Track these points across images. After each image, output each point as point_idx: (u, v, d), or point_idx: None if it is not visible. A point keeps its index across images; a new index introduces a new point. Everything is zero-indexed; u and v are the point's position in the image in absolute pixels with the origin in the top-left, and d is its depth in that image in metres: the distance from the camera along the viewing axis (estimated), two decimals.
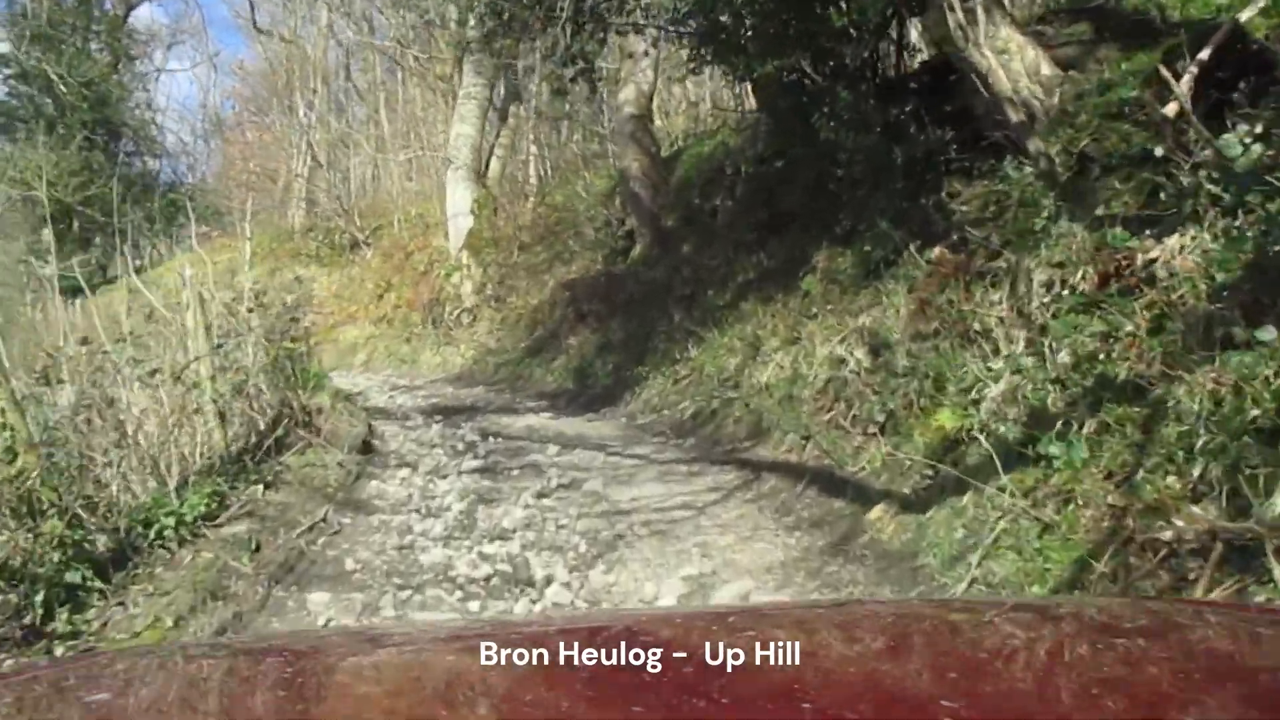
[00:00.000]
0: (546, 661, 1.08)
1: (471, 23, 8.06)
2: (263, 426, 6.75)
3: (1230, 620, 1.24)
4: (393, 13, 23.35)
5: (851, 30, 7.39)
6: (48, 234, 31.48)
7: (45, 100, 28.78)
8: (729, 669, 0.97)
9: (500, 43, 8.34)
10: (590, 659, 1.07)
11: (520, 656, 1.08)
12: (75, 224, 30.04)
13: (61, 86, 27.61)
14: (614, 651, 1.11)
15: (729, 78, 11.45)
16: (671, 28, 10.22)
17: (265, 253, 25.92)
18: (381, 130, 26.08)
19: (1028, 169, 5.90)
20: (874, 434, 5.35)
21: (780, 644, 1.01)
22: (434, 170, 21.04)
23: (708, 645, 1.05)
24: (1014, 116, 6.16)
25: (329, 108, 27.36)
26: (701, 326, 9.80)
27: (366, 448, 7.47)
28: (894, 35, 7.91)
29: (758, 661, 0.97)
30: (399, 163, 23.12)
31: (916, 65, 8.60)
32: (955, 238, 6.56)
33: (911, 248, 6.64)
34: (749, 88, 10.84)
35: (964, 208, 6.80)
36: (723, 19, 8.10)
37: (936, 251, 6.36)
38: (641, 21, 9.34)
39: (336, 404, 8.37)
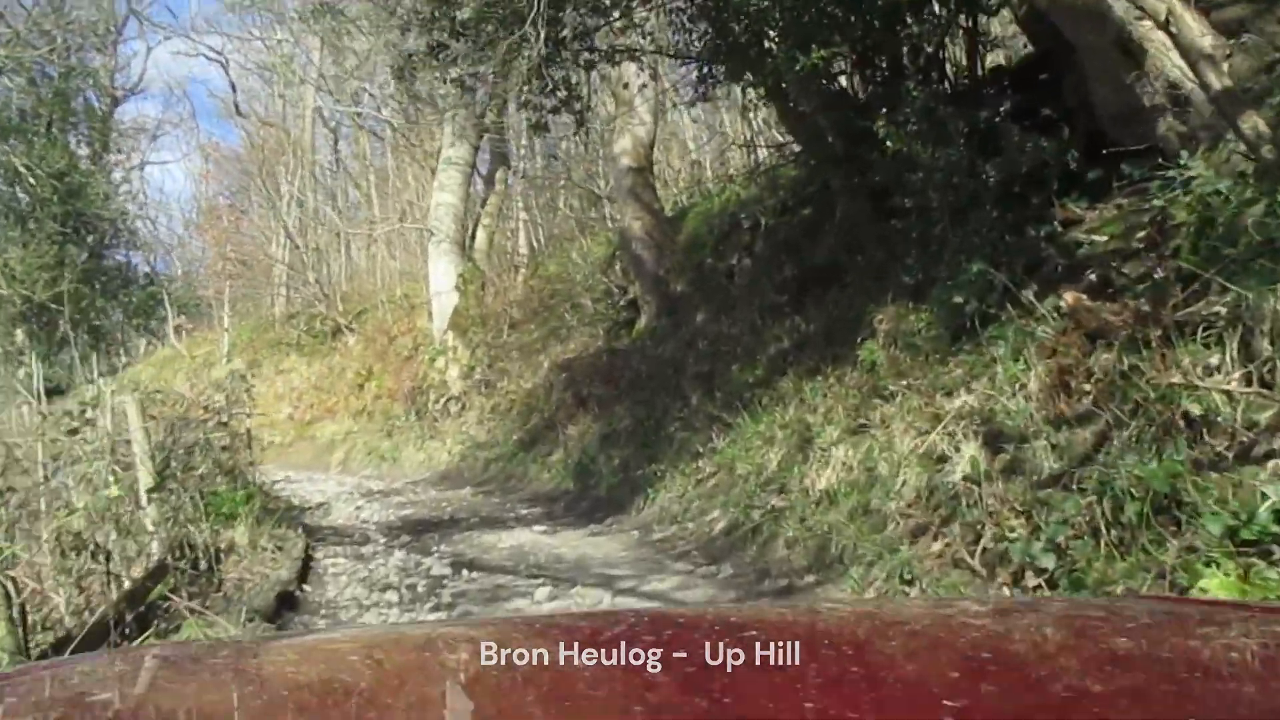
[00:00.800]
0: (547, 661, 1.09)
1: (414, 34, 6.27)
2: (128, 587, 4.79)
3: (1230, 620, 1.22)
4: (381, 90, 22.10)
5: (909, 18, 5.60)
6: (20, 335, 29.92)
7: (15, 194, 27.44)
8: (729, 669, 0.97)
9: (463, 71, 6.52)
10: (590, 659, 1.09)
11: (520, 656, 1.10)
12: (55, 322, 28.48)
13: (30, 179, 26.27)
14: (614, 651, 1.12)
15: (747, 105, 9.66)
16: (671, 53, 8.50)
17: (244, 344, 24.26)
18: (373, 211, 24.55)
19: (1200, 173, 4.03)
20: (1037, 585, 3.35)
21: (780, 644, 1.02)
22: (420, 246, 19.40)
23: (708, 645, 1.06)
24: (1173, 104, 4.32)
25: (313, 188, 25.91)
26: (727, 411, 7.87)
27: (287, 602, 5.47)
28: (965, 24, 6.11)
29: (758, 661, 0.97)
30: (379, 238, 21.49)
31: (994, 63, 6.81)
32: (1092, 277, 4.67)
33: (1025, 295, 4.74)
34: (774, 114, 9.06)
35: (1095, 237, 4.92)
36: (737, 24, 6.34)
37: (1069, 298, 4.45)
38: (636, 43, 7.59)
39: (260, 538, 6.40)
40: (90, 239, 28.20)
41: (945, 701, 0.87)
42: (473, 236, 16.13)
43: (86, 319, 27.80)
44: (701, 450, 7.89)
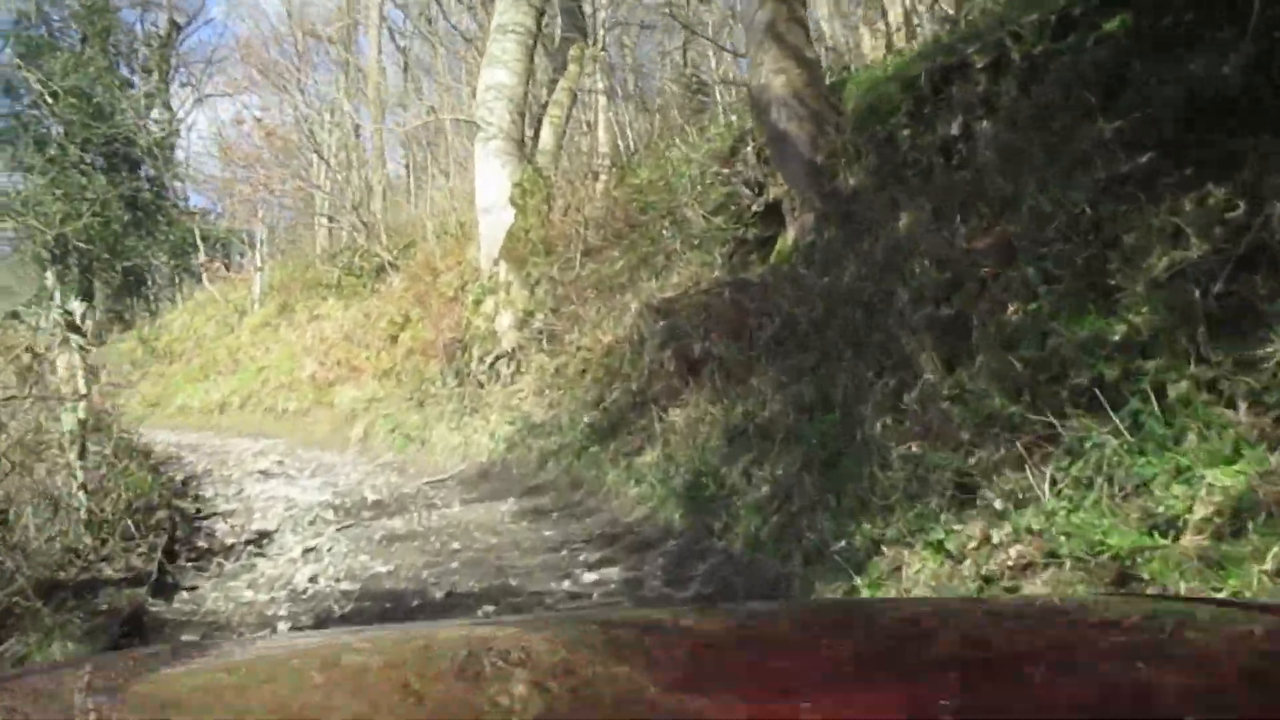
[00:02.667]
0: (547, 660, 1.12)
1: None
2: None
3: (1231, 618, 1.22)
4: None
5: None
6: (50, 276, 26.94)
7: (39, 117, 24.13)
8: (729, 669, 1.01)
9: None
10: (590, 658, 1.12)
11: (519, 656, 1.13)
12: (91, 264, 25.28)
13: (47, 97, 22.86)
14: (614, 651, 1.15)
15: None
16: None
17: (280, 286, 20.55)
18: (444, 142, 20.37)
19: None
20: None
21: (779, 644, 1.09)
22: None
23: (708, 645, 1.11)
24: None
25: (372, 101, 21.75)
26: (1029, 399, 3.38)
27: None
28: None
29: (757, 661, 1.03)
30: (436, 157, 17.31)
31: None
32: None
33: None
34: None
35: None
36: None
37: None
38: None
39: None
40: (124, 169, 24.80)
41: (944, 701, 0.89)
42: (535, 134, 11.74)
43: (118, 258, 24.50)
44: (986, 486, 3.43)
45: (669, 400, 6.91)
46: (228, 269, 22.15)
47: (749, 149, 8.03)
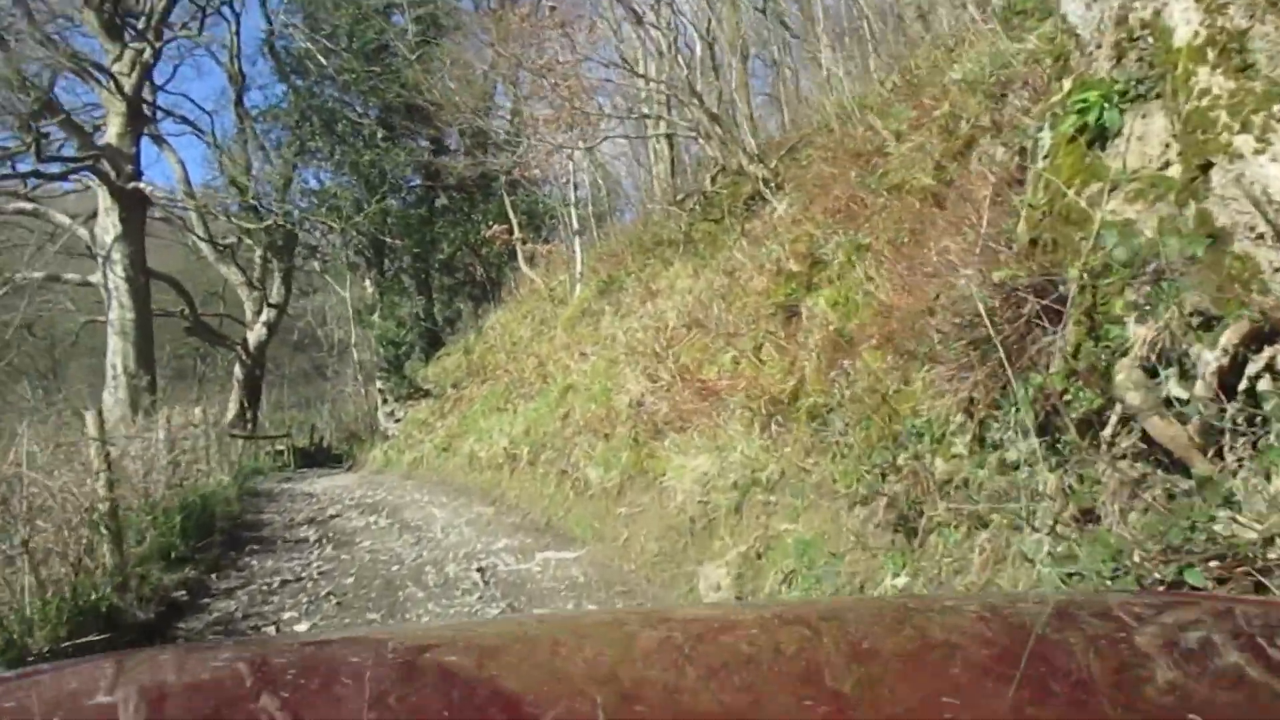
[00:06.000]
0: (547, 660, 1.10)
1: None
2: None
3: (1230, 615, 1.22)
4: None
5: None
6: (370, 286, 22.84)
7: (318, 89, 19.77)
8: (729, 668, 1.00)
9: None
10: (590, 658, 1.11)
11: (520, 655, 1.12)
12: (424, 266, 20.80)
13: (319, 57, 18.29)
14: (614, 650, 1.15)
15: None
16: None
17: (605, 256, 14.06)
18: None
19: None
20: None
21: (780, 643, 1.08)
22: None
23: (708, 645, 1.09)
24: None
25: None
26: None
27: None
28: None
29: (758, 661, 1.02)
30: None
31: None
32: None
33: None
34: None
35: None
36: None
37: None
38: None
39: None
40: (422, 142, 19.81)
41: (945, 699, 0.88)
42: None
43: (429, 253, 19.58)
44: None
45: None
46: (546, 248, 16.09)
47: None
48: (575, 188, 14.28)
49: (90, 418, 5.52)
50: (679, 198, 12.71)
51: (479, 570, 6.53)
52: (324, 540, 8.16)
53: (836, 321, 4.64)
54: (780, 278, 5.93)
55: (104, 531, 5.37)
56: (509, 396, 12.23)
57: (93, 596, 4.53)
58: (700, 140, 10.57)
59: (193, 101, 64.91)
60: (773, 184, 9.58)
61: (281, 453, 23.77)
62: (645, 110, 12.04)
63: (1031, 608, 1.42)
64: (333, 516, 9.93)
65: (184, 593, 5.72)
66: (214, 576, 6.45)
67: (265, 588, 6.15)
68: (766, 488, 4.37)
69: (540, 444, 9.08)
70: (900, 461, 3.43)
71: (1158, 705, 0.84)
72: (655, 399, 7.16)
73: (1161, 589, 2.25)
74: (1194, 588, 2.07)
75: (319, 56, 18.35)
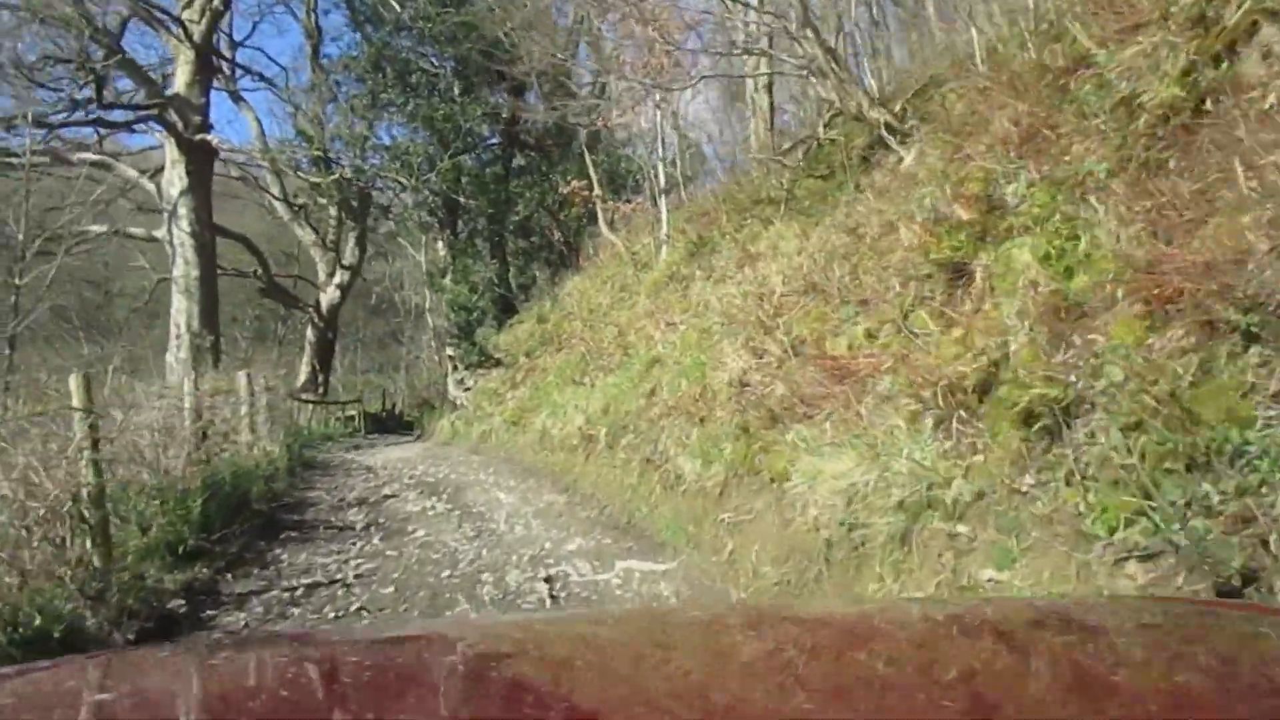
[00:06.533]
0: (547, 659, 1.06)
1: None
2: None
3: (1230, 620, 1.18)
4: None
5: None
6: (442, 248, 21.82)
7: (389, 38, 18.64)
8: (729, 668, 0.98)
9: None
10: (590, 657, 1.08)
11: (520, 654, 1.09)
12: (498, 228, 19.75)
13: (395, 2, 17.17)
14: (613, 649, 1.12)
15: None
16: None
17: (696, 216, 12.75)
18: None
19: None
20: None
21: (781, 644, 1.05)
22: None
23: (709, 644, 1.07)
24: None
25: None
26: None
27: None
28: None
29: (758, 661, 0.99)
30: None
31: None
32: None
33: None
34: None
35: None
36: None
37: None
38: None
39: None
40: (500, 98, 18.60)
41: (945, 702, 0.86)
42: None
43: (504, 215, 18.45)
44: None
45: None
46: (629, 206, 14.80)
47: None
48: (663, 143, 12.93)
49: (74, 381, 4.48)
50: (785, 147, 11.30)
51: (546, 580, 5.37)
52: (372, 528, 7.10)
53: (1053, 281, 3.29)
54: (940, 229, 4.55)
55: (85, 525, 4.33)
56: (585, 368, 11.04)
57: (39, 618, 3.46)
58: (814, 79, 9.14)
59: (269, 57, 65.07)
60: (898, 130, 8.14)
61: (352, 418, 23.17)
62: (748, 46, 10.64)
63: (1031, 613, 1.38)
64: (388, 497, 8.90)
65: (183, 602, 4.66)
66: (230, 576, 5.39)
67: (288, 594, 5.07)
68: (952, 513, 3.06)
69: (621, 425, 7.85)
70: (1215, 498, 2.12)
71: (1149, 711, 0.82)
72: (764, 377, 5.87)
73: (1161, 595, 2.08)
74: None
75: (393, 2, 17.29)
